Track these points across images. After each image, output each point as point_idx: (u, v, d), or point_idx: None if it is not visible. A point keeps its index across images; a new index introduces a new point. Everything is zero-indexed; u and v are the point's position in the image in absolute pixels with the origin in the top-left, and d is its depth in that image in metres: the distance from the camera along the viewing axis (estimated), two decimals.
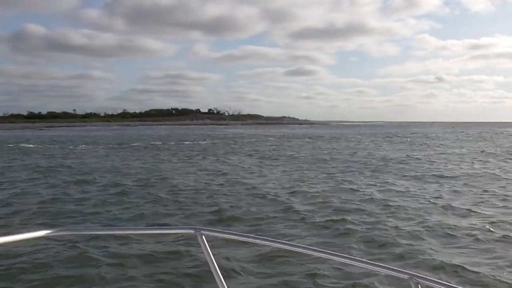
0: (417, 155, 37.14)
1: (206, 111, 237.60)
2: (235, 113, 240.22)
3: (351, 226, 11.94)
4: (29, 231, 2.80)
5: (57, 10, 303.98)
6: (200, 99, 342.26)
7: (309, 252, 2.80)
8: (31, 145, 50.73)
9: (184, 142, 57.72)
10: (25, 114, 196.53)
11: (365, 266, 2.55)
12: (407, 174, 23.35)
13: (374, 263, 2.53)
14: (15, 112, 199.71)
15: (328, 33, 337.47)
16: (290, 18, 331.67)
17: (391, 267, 2.45)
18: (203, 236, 2.86)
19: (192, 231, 2.94)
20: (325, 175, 23.21)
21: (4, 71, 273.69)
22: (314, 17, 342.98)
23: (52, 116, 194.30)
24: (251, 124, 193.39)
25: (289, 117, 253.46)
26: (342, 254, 2.68)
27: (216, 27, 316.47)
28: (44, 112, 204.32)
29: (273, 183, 20.22)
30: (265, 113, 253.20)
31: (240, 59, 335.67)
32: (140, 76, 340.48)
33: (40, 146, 50.52)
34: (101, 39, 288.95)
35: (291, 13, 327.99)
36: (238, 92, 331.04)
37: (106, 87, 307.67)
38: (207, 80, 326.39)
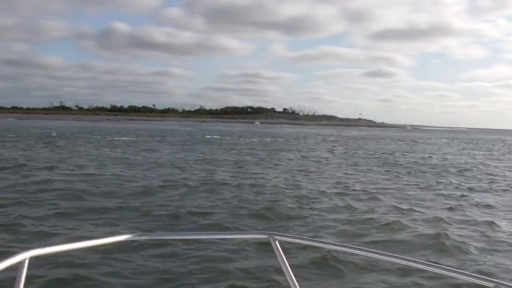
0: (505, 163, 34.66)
1: (281, 110, 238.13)
2: (310, 113, 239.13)
3: (429, 232, 10.98)
4: (108, 235, 2.82)
5: (141, 9, 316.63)
6: (275, 98, 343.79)
7: (387, 258, 2.67)
8: (125, 138, 52.42)
9: (265, 139, 57.33)
10: (108, 108, 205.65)
11: (447, 273, 2.46)
12: (492, 183, 21.56)
13: (457, 270, 2.45)
14: (99, 105, 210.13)
15: (409, 34, 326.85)
16: (370, 18, 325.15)
17: (476, 274, 2.36)
18: (277, 241, 2.80)
19: (265, 236, 2.89)
20: (409, 179, 21.95)
21: (91, 67, 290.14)
22: (394, 18, 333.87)
23: (133, 110, 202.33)
24: (326, 125, 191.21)
25: (365, 119, 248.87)
26: (423, 261, 2.58)
27: (293, 26, 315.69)
28: (125, 106, 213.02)
29: (357, 184, 19.30)
30: (340, 115, 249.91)
31: (317, 59, 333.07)
32: (217, 74, 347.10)
33: (127, 138, 51.92)
34: (181, 37, 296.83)
35: (370, 13, 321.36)
36: (314, 92, 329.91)
37: (184, 84, 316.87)
38: (283, 79, 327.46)
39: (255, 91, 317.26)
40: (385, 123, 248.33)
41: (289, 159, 31.08)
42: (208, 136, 56.19)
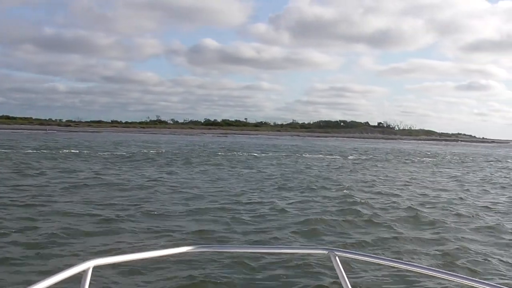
0: None
1: (375, 124, 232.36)
2: (405, 128, 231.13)
3: None
4: (172, 246, 2.86)
5: (229, 26, 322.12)
6: (365, 112, 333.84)
7: (456, 279, 2.46)
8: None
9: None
10: (202, 121, 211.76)
11: None
12: None
13: None
14: (193, 118, 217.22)
15: (505, 45, 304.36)
16: (461, 30, 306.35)
17: None
18: (337, 257, 2.78)
19: (325, 252, 2.90)
20: None
21: (184, 82, 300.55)
22: (487, 28, 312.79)
23: (227, 124, 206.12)
24: (425, 140, 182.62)
25: (465, 134, 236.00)
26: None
27: (380, 39, 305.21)
28: (218, 119, 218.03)
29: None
30: (436, 129, 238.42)
31: (407, 72, 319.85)
32: (305, 88, 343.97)
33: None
34: (269, 52, 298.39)
35: (461, 24, 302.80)
36: (405, 106, 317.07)
37: (273, 98, 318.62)
38: (372, 93, 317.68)
39: (345, 104, 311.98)
40: (487, 139, 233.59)
41: None
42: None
